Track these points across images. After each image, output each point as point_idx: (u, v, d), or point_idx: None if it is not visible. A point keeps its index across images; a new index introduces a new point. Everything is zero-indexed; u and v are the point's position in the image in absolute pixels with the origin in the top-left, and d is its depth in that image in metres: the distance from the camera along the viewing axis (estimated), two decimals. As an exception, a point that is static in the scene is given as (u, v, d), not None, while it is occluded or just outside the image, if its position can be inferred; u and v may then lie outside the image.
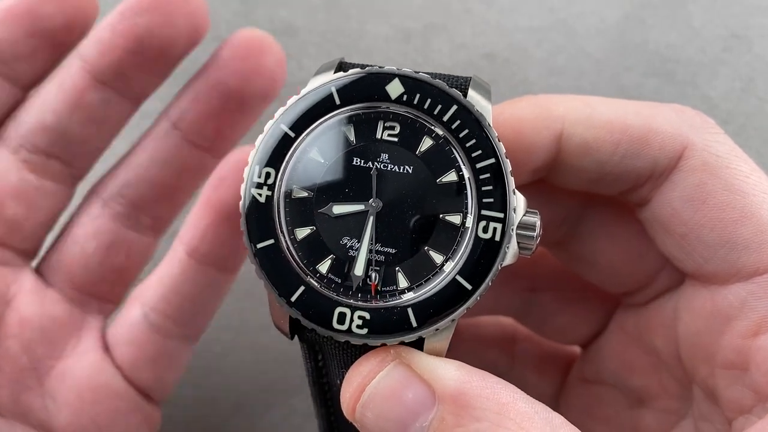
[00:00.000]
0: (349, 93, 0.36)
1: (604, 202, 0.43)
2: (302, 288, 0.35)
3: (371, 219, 0.35)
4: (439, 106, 0.35)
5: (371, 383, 0.34)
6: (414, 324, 0.34)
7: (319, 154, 0.36)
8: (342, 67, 0.37)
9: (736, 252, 0.37)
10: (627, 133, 0.38)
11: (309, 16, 0.61)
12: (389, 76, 0.36)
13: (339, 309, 0.35)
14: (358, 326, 0.34)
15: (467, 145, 0.35)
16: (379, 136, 0.36)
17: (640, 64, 0.61)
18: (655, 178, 0.38)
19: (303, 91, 0.36)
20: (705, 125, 0.38)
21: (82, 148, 0.46)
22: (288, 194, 0.36)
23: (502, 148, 0.35)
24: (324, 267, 0.35)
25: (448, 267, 0.35)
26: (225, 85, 0.45)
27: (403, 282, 0.35)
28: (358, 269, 0.35)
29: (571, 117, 0.39)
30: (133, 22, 0.43)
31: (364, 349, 0.35)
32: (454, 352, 0.36)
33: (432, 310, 0.34)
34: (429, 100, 0.35)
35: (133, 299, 0.47)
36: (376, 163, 0.36)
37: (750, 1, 0.62)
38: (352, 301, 0.35)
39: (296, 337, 0.38)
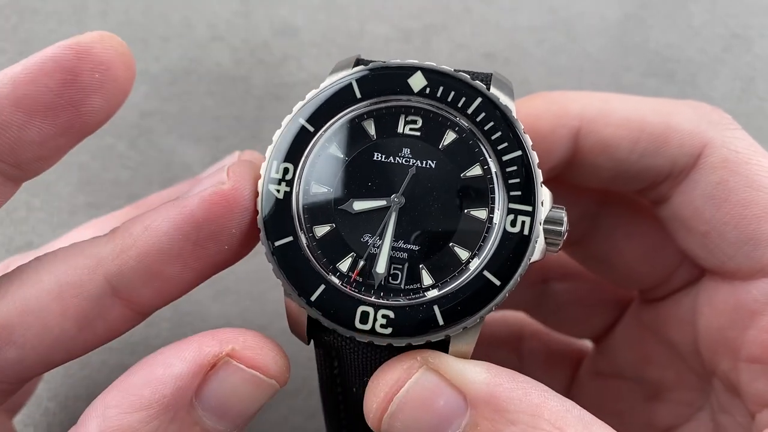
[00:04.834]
0: (370, 86, 0.35)
1: (620, 199, 0.42)
2: (322, 287, 0.34)
3: (393, 215, 0.34)
4: (463, 99, 0.34)
5: (400, 393, 0.32)
6: (441, 322, 0.33)
7: (338, 148, 0.35)
8: (360, 63, 0.36)
9: (760, 249, 0.36)
10: (645, 131, 0.38)
11: (309, 16, 0.60)
12: (411, 69, 0.35)
13: (362, 308, 0.33)
14: (382, 326, 0.33)
15: (493, 137, 0.34)
16: (400, 130, 0.35)
17: (640, 64, 0.61)
18: (675, 176, 0.38)
19: (322, 85, 0.35)
20: (723, 121, 0.38)
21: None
22: (307, 190, 0.34)
23: (528, 140, 0.34)
24: (345, 265, 0.34)
25: (474, 263, 0.34)
26: None
27: (427, 279, 0.34)
28: (381, 267, 0.34)
29: (588, 115, 0.38)
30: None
31: (388, 351, 0.34)
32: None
33: (460, 307, 0.33)
34: (453, 93, 0.34)
35: None
36: (398, 158, 0.35)
37: (750, 1, 0.62)
38: (374, 299, 0.33)
39: (311, 342, 0.36)
